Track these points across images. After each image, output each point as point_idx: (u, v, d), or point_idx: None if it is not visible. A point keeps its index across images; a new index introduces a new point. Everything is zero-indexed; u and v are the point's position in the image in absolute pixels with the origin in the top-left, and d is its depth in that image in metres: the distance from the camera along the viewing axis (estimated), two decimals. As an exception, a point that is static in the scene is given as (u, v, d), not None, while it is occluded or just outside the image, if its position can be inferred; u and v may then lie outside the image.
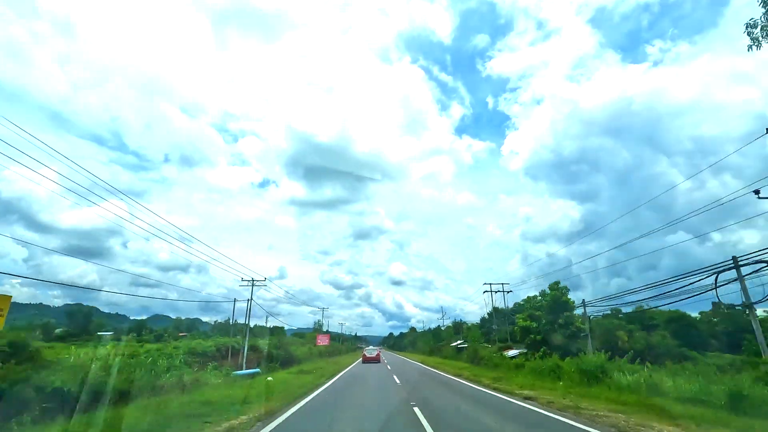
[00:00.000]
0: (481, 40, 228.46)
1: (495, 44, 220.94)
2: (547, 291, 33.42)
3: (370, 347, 50.80)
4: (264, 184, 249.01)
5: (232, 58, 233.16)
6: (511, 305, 43.00)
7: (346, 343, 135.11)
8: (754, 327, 14.57)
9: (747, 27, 8.76)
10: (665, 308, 32.77)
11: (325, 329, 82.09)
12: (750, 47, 8.73)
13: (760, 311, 19.43)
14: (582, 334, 28.45)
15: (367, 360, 37.80)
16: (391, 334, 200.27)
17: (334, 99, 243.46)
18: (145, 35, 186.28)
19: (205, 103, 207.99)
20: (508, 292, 39.64)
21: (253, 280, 33.31)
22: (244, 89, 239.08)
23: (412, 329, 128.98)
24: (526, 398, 13.14)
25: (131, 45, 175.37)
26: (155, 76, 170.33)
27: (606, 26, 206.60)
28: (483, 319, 52.08)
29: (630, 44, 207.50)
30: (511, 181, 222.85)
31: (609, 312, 38.67)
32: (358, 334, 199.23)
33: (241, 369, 24.54)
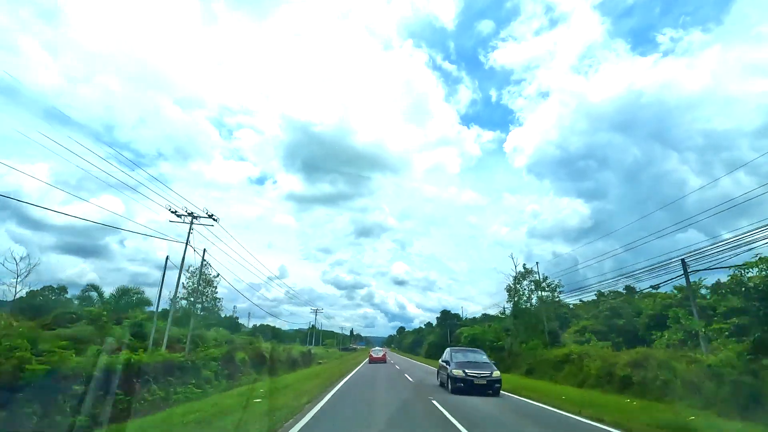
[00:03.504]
0: (485, 26, 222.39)
1: (499, 32, 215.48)
2: None
3: (377, 348, 53.64)
4: (261, 180, 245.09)
5: (221, 37, 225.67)
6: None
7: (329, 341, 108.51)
8: None
9: None
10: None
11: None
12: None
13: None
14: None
15: (373, 360, 39.98)
16: (401, 328, 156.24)
17: (332, 86, 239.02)
18: (128, 12, 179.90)
19: (197, 91, 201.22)
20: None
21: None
22: (236, 71, 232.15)
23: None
24: None
25: (116, 24, 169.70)
26: (143, 59, 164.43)
27: (615, 12, 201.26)
28: None
29: (640, 32, 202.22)
30: (514, 178, 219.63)
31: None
32: (355, 332, 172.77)
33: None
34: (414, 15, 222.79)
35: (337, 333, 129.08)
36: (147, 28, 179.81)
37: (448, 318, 67.88)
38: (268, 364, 25.78)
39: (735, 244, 14.91)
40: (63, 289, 35.74)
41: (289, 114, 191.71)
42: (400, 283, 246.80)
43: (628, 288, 35.58)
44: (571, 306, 40.18)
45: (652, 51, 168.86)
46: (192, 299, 26.41)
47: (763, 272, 11.47)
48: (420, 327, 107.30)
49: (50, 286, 35.64)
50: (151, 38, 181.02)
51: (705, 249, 16.30)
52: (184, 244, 21.60)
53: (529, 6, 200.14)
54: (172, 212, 21.36)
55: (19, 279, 24.79)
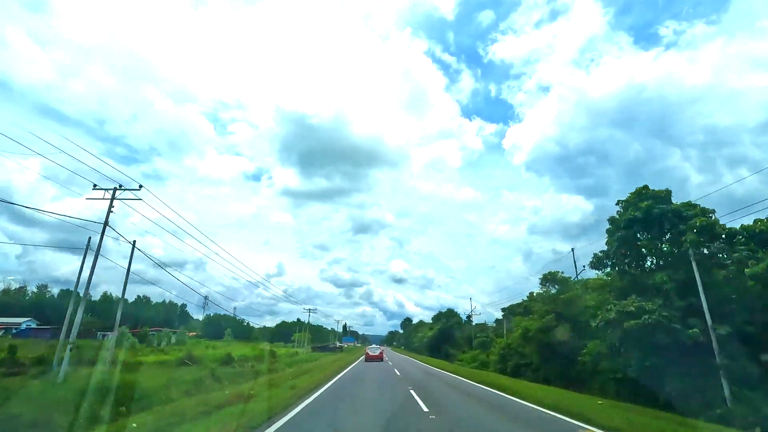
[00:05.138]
0: (485, 16, 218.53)
1: (499, 25, 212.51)
2: None
3: (373, 346, 51.40)
4: (257, 175, 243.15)
5: (212, 23, 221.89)
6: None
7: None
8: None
9: None
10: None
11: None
12: None
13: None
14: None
15: (369, 358, 38.01)
16: (408, 319, 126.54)
17: (328, 76, 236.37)
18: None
19: (189, 82, 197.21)
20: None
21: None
22: (228, 62, 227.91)
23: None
24: None
25: (104, 12, 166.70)
26: (134, 50, 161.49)
27: (617, 3, 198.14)
28: None
29: (642, 25, 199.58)
30: (513, 175, 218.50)
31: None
32: (352, 328, 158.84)
33: None
34: (413, 5, 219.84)
35: (309, 324, 79.32)
36: (135, 14, 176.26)
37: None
38: None
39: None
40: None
41: (283, 106, 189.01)
42: (399, 281, 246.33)
43: None
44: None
45: (654, 44, 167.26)
46: None
47: None
48: (445, 311, 68.62)
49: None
50: (139, 25, 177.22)
51: None
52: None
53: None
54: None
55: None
